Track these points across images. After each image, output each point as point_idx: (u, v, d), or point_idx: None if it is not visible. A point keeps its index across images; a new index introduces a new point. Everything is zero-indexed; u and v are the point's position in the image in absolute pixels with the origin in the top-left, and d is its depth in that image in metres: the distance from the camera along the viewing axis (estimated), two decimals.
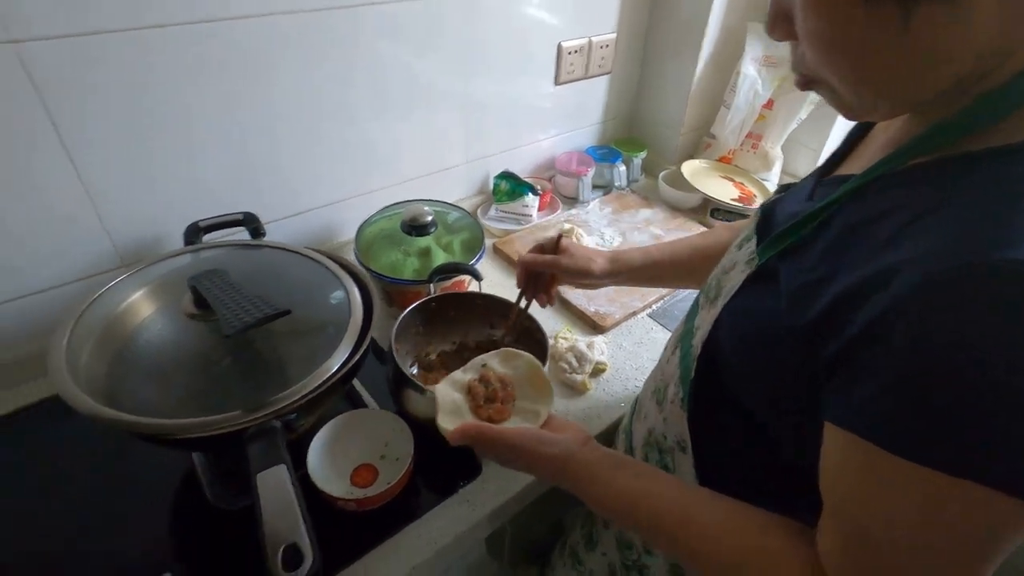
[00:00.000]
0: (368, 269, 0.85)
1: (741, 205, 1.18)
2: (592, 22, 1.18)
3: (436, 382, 0.60)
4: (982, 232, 0.31)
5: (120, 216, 0.77)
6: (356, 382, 0.79)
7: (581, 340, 0.88)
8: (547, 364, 0.69)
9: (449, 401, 0.57)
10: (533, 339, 0.76)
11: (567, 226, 1.10)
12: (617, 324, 0.95)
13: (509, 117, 1.17)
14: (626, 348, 0.92)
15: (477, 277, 0.83)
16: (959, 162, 0.36)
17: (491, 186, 1.19)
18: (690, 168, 1.26)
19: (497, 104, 1.13)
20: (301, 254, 0.71)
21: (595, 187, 1.28)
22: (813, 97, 1.22)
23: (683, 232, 1.18)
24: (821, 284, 0.38)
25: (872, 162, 0.41)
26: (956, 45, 0.33)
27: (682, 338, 0.55)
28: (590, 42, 1.19)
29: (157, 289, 0.65)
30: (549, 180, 1.29)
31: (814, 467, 0.39)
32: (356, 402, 0.77)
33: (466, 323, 0.82)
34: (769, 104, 1.26)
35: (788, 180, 1.32)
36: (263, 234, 0.81)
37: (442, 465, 0.71)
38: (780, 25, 0.38)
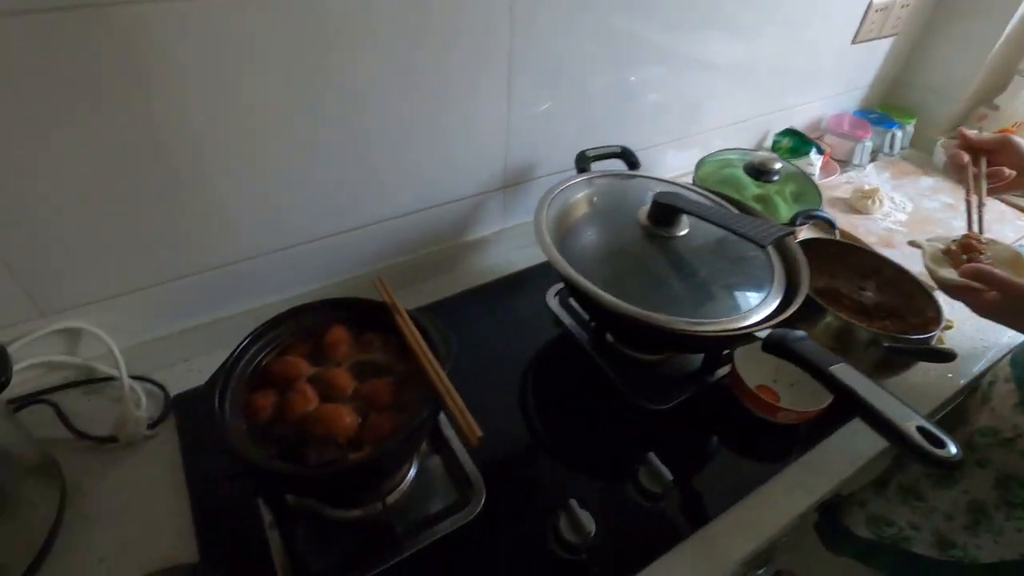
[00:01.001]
0: None
1: None
2: None
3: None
4: None
5: (516, 144, 0.85)
6: None
7: None
8: None
9: (933, 252, 0.70)
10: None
11: (867, 187, 1.09)
12: None
13: (793, 75, 1.16)
14: None
15: (832, 225, 0.86)
16: None
17: (769, 143, 1.20)
18: None
19: (784, 62, 1.12)
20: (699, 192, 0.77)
21: None
22: None
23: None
24: None
25: None
26: None
27: None
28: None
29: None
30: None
31: None
32: None
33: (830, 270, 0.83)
34: None
35: None
36: (638, 165, 0.87)
37: None
38: None
